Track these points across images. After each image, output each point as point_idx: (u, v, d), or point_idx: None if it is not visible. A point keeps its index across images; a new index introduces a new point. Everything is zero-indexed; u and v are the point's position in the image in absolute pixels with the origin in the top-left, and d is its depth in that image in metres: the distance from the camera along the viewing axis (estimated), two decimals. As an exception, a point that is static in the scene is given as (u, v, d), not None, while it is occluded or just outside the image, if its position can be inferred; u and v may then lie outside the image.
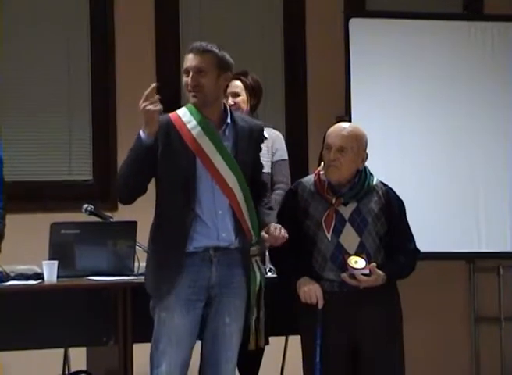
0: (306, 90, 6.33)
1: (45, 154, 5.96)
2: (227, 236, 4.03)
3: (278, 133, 5.26)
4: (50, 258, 4.40)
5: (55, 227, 4.47)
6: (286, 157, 5.17)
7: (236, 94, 5.11)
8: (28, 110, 5.97)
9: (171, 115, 4.08)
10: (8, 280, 4.36)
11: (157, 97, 3.89)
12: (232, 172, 4.04)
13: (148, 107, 3.88)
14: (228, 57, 4.12)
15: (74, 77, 6.05)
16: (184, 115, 4.07)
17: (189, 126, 4.04)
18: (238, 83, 5.10)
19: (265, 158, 5.03)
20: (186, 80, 4.05)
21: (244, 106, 5.11)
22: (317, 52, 6.31)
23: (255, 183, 4.20)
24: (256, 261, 4.19)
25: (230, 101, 5.09)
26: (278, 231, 4.07)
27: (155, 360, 3.99)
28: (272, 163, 5.12)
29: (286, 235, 4.07)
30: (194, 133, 4.03)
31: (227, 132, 4.09)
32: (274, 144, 5.14)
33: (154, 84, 3.95)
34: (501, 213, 6.00)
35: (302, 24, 6.34)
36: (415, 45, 5.96)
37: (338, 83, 5.93)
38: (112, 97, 5.97)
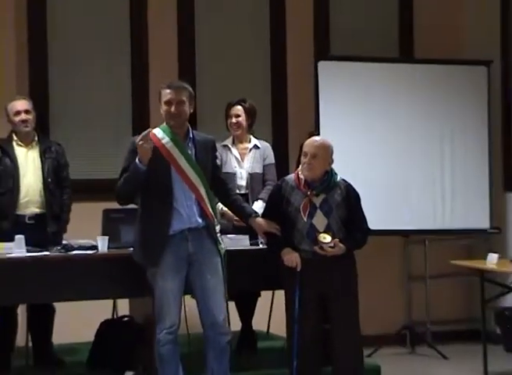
0: (287, 112, 6.28)
1: (98, 159, 5.92)
2: (195, 220, 4.08)
3: (267, 144, 5.26)
4: (102, 234, 4.42)
5: (106, 212, 4.51)
6: (274, 161, 5.16)
7: (237, 116, 5.08)
8: (84, 127, 5.91)
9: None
10: (72, 250, 4.41)
11: (150, 138, 3.92)
12: (196, 174, 4.08)
13: (144, 145, 3.91)
14: (192, 92, 4.14)
15: (118, 98, 5.98)
16: (159, 133, 4.08)
17: (163, 141, 4.06)
18: (239, 107, 5.08)
19: (259, 163, 5.07)
20: (166, 108, 4.04)
21: (244, 124, 5.08)
22: (296, 85, 6.24)
23: (217, 180, 4.24)
24: (219, 236, 4.19)
25: (233, 120, 5.08)
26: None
27: (161, 314, 4.03)
28: (264, 166, 5.09)
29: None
30: (168, 146, 4.05)
31: (189, 145, 4.11)
32: (265, 152, 5.12)
33: (149, 129, 3.99)
34: (426, 203, 6.02)
35: (284, 64, 6.28)
36: (366, 81, 5.93)
37: (310, 107, 5.91)
38: (147, 112, 5.91)
